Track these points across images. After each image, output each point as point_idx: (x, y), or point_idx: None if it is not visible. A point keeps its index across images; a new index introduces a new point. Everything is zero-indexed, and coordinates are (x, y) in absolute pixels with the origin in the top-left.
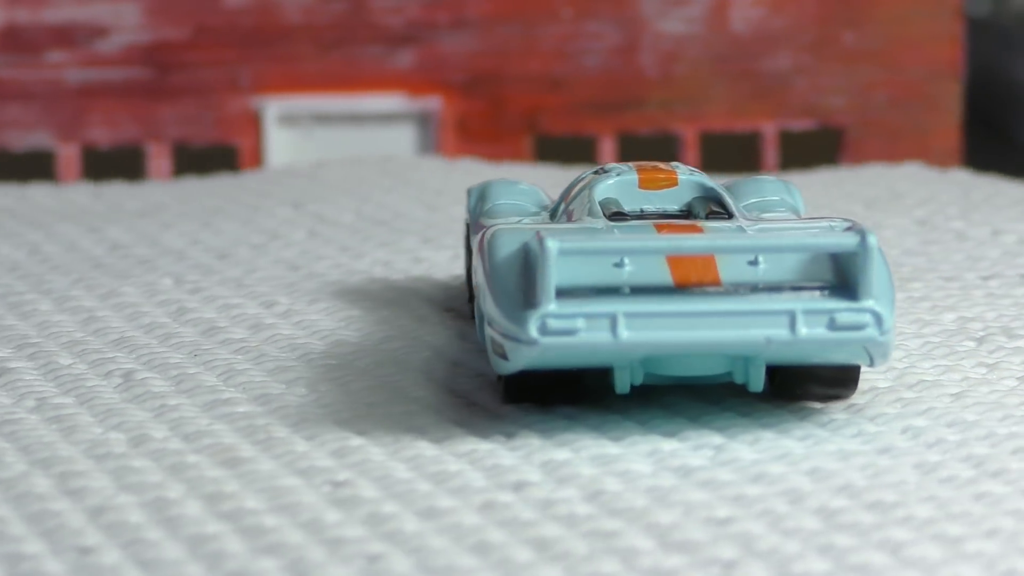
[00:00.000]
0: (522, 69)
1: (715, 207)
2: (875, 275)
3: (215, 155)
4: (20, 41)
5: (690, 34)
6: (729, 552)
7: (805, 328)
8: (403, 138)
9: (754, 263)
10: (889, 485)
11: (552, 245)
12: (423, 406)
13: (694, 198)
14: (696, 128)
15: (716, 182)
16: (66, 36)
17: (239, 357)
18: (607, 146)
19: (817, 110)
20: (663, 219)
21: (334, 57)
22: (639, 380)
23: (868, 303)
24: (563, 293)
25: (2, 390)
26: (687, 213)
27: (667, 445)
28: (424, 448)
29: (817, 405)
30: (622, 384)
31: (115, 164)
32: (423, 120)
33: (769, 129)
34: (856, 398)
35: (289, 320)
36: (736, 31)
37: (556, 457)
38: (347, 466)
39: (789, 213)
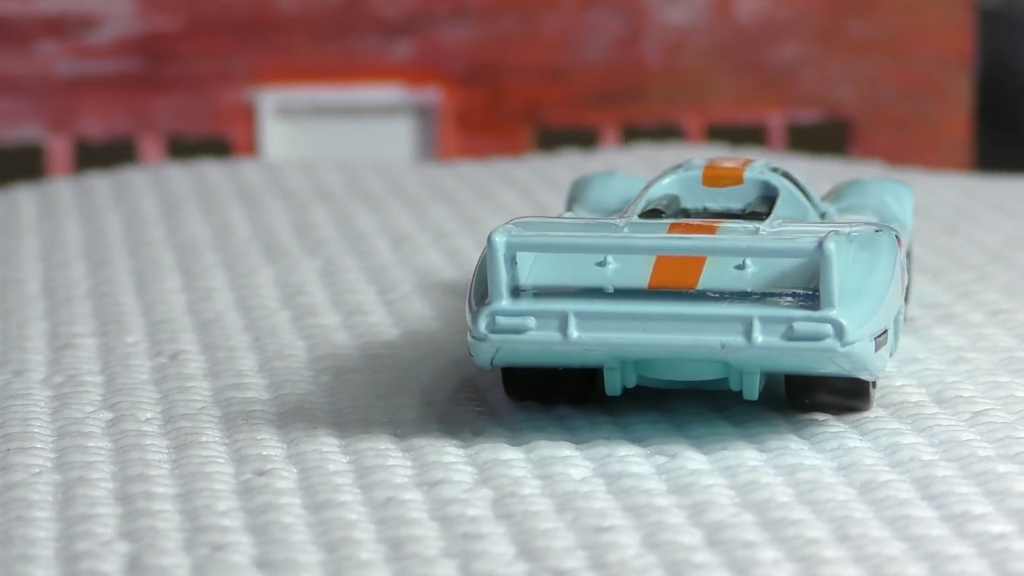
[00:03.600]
0: (523, 60)
1: (760, 208)
2: (843, 283)
3: (209, 148)
4: (10, 32)
5: (694, 24)
6: (572, 563)
7: (761, 336)
8: (402, 131)
9: (741, 267)
10: (810, 503)
11: (499, 239)
12: (424, 400)
13: (757, 197)
14: (701, 120)
15: (790, 181)
16: (57, 27)
17: (300, 343)
18: (610, 138)
19: (824, 101)
20: (695, 218)
21: (331, 48)
22: (632, 383)
23: (830, 313)
24: (543, 292)
25: (46, 365)
26: (746, 212)
27: (625, 450)
28: (380, 442)
29: (822, 417)
30: (611, 386)
31: (107, 158)
32: (422, 112)
33: (776, 121)
34: (877, 411)
35: (389, 307)
36: (741, 21)
37: (501, 456)
38: (289, 456)
39: (873, 216)
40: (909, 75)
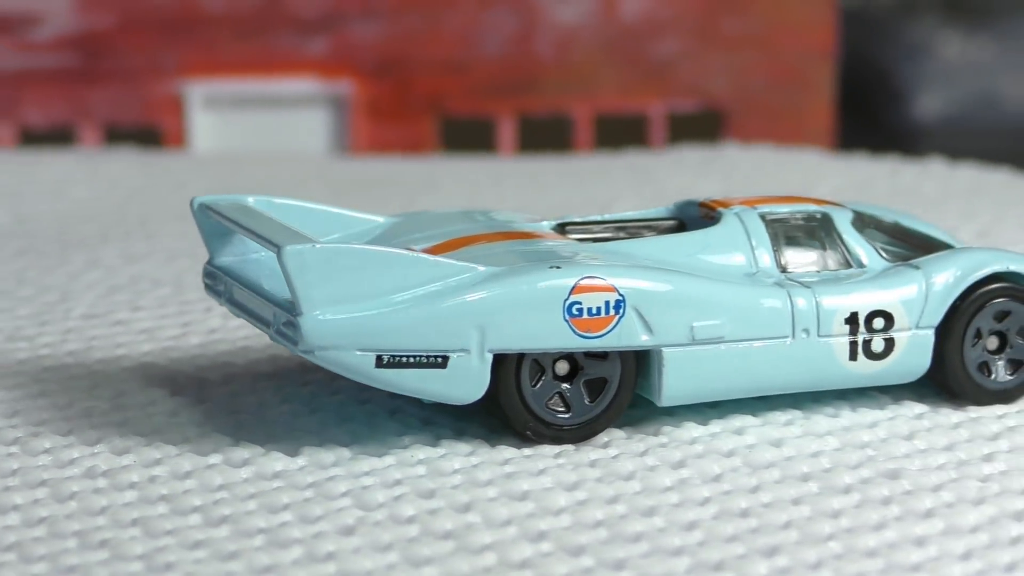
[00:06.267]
0: (427, 55)
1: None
2: (345, 290)
3: (142, 136)
4: None
5: (582, 22)
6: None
7: (273, 330)
8: (318, 120)
9: None
10: (549, 516)
11: (197, 200)
12: (363, 410)
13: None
14: (589, 109)
15: (780, 228)
16: (1, 25)
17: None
18: (507, 126)
19: (701, 92)
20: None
21: (252, 44)
22: None
23: (294, 316)
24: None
25: None
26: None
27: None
28: (245, 447)
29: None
30: None
31: (49, 143)
32: (336, 103)
33: (657, 110)
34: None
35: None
36: (625, 19)
37: (319, 460)
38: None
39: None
40: (777, 68)
